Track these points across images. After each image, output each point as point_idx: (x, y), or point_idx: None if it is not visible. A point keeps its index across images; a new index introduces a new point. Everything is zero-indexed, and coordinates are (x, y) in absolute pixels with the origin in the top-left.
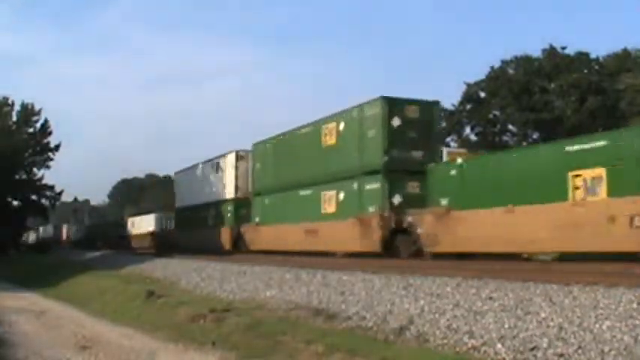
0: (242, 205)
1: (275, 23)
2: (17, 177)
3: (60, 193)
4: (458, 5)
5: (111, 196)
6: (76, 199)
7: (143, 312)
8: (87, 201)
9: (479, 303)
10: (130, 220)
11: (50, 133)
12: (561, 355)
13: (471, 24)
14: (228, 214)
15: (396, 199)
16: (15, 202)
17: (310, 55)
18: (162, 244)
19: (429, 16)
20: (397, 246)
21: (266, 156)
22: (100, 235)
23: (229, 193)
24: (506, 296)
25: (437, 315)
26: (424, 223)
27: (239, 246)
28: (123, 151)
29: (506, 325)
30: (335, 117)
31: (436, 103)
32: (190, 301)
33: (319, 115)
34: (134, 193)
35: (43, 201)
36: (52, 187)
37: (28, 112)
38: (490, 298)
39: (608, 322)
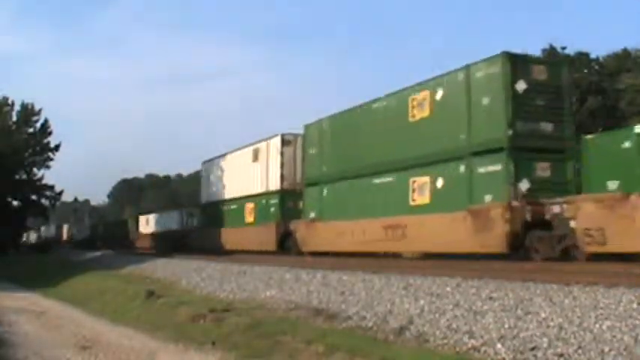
0: (289, 197)
1: (276, 23)
2: (17, 177)
3: (60, 193)
4: (458, 5)
5: (111, 196)
6: (76, 199)
7: (143, 312)
8: (87, 201)
9: (479, 303)
10: (144, 218)
11: (50, 133)
12: (561, 355)
13: (471, 24)
14: (272, 209)
15: (524, 185)
16: (15, 202)
17: (311, 55)
18: (183, 245)
19: (429, 15)
20: (531, 244)
21: (324, 138)
22: (107, 234)
23: (273, 183)
24: (506, 296)
25: (437, 315)
26: (581, 215)
27: (287, 246)
28: (123, 151)
29: (506, 325)
30: (428, 83)
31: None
32: (190, 301)
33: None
34: (134, 193)
35: (43, 201)
36: (52, 187)
37: (28, 112)
38: (490, 298)
39: (608, 322)
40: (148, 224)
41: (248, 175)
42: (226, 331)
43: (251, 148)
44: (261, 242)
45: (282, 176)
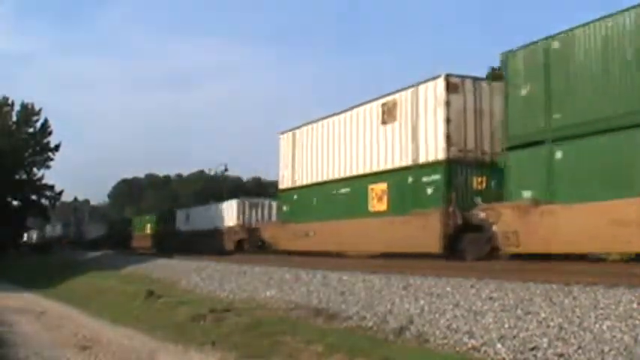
0: (460, 171)
1: (276, 23)
2: (17, 177)
3: (60, 193)
4: (458, 5)
5: (111, 196)
6: (76, 199)
7: (143, 312)
8: (87, 201)
9: (479, 303)
10: (183, 213)
11: (50, 133)
12: (561, 355)
13: (471, 23)
14: (429, 190)
15: None
16: (15, 202)
17: (311, 55)
18: (241, 245)
19: (429, 15)
20: None
21: (554, 66)
22: (130, 233)
23: (431, 151)
24: (506, 296)
25: (437, 315)
26: None
27: (461, 246)
28: (123, 151)
29: (506, 325)
30: None
31: None
32: (190, 301)
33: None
34: (134, 193)
35: (43, 201)
36: (52, 187)
37: (28, 112)
38: (490, 298)
39: (608, 322)
40: (188, 220)
41: (372, 142)
42: (226, 331)
43: (377, 103)
44: (407, 241)
45: (448, 139)
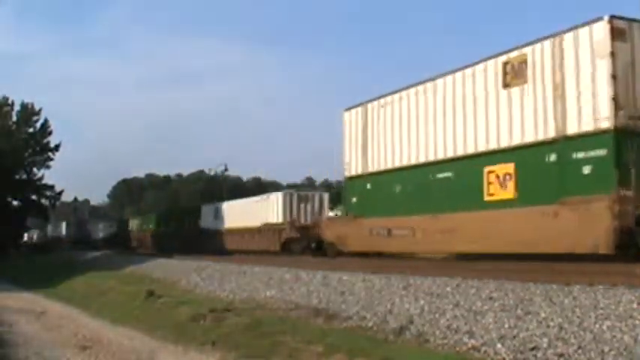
0: (632, 143)
1: (275, 23)
2: (17, 177)
3: (60, 193)
4: (459, 4)
5: (111, 196)
6: (76, 199)
7: (143, 312)
8: (87, 201)
9: (479, 303)
10: (211, 209)
11: (50, 133)
12: (561, 355)
13: (472, 23)
14: (588, 170)
15: None
16: (15, 202)
17: (311, 55)
18: (289, 245)
19: (430, 14)
20: None
21: None
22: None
23: (588, 119)
24: (506, 296)
25: (437, 315)
26: None
27: None
28: (123, 151)
29: (507, 325)
30: None
31: None
32: (190, 301)
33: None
34: (134, 193)
35: (43, 201)
36: (52, 187)
37: (28, 112)
38: (490, 298)
39: (608, 322)
40: (217, 217)
41: (489, 112)
42: (226, 331)
43: (494, 61)
44: (551, 239)
45: (615, 101)
